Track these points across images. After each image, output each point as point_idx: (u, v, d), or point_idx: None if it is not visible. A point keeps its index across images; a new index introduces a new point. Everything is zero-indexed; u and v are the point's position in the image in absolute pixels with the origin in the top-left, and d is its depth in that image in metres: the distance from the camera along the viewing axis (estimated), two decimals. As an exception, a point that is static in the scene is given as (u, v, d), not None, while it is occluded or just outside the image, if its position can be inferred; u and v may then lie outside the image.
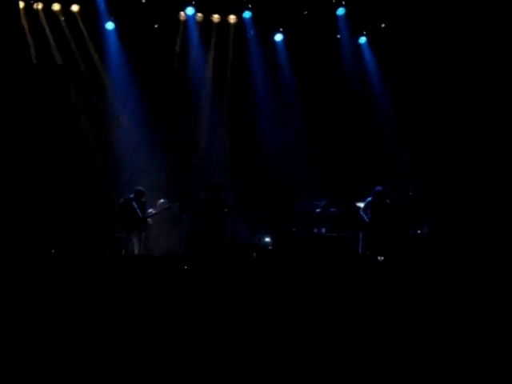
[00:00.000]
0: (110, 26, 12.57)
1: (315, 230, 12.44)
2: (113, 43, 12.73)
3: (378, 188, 11.41)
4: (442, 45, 12.26)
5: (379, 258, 6.89)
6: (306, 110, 13.31)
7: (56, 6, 12.26)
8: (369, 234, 11.42)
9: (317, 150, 13.05)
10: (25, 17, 11.97)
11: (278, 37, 13.21)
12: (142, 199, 11.33)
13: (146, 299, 5.38)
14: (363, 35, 13.23)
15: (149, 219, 11.61)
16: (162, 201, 12.16)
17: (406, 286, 5.67)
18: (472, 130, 12.12)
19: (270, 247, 11.31)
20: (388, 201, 11.42)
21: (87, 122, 12.70)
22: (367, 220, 11.36)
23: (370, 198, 11.49)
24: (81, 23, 12.47)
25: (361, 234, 11.65)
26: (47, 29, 12.26)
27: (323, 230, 12.62)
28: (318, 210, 12.82)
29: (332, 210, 12.76)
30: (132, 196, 11.32)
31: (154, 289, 5.58)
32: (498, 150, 11.70)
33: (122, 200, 11.27)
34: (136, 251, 10.86)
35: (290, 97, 13.47)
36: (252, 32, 13.07)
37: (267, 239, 12.14)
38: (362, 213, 11.58)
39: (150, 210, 11.77)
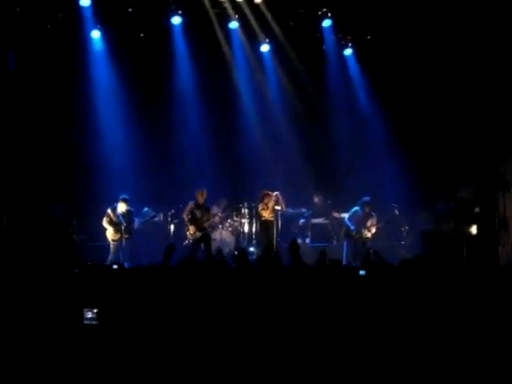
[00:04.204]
0: (95, 34, 12.52)
1: (299, 240, 12.47)
2: (98, 52, 12.70)
3: (366, 198, 11.51)
4: (430, 56, 12.29)
5: (361, 272, 6.88)
6: (292, 120, 13.39)
7: None
8: (353, 243, 11.50)
9: (302, 160, 13.09)
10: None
11: (265, 47, 13.24)
12: (128, 208, 11.30)
13: (121, 311, 5.38)
14: (349, 47, 13.27)
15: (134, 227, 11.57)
16: (145, 209, 12.17)
17: (386, 303, 5.69)
18: (462, 139, 12.18)
19: (253, 257, 11.33)
20: (373, 213, 11.53)
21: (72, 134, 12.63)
22: (353, 229, 11.43)
23: (356, 208, 11.57)
24: None
25: (345, 243, 11.73)
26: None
27: (307, 240, 12.68)
28: (302, 220, 12.88)
29: (316, 219, 12.82)
30: (116, 205, 11.27)
31: (131, 300, 5.57)
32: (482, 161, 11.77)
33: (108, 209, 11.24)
34: (119, 260, 10.81)
35: (276, 107, 13.54)
36: (238, 42, 13.11)
37: (252, 249, 12.18)
38: (347, 222, 11.65)
39: (136, 219, 11.75)
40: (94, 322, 5.07)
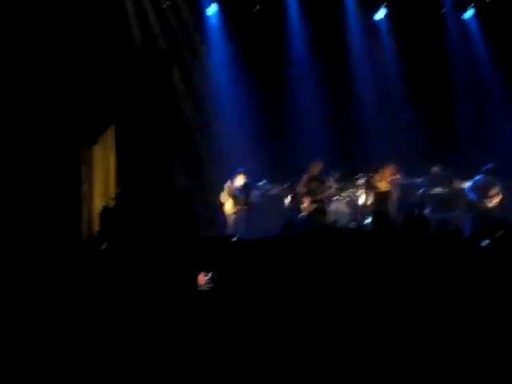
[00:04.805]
0: (212, 9, 12.77)
1: (417, 211, 12.17)
2: (215, 27, 12.96)
3: (490, 166, 11.07)
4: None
5: (484, 242, 6.61)
6: (409, 87, 13.05)
7: None
8: (475, 214, 11.10)
9: (419, 129, 12.76)
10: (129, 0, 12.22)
11: (380, 14, 12.96)
12: (246, 181, 11.49)
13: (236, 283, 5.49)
14: (470, 10, 12.73)
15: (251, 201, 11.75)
16: (262, 182, 12.31)
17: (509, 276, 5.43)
18: None
19: (368, 229, 11.20)
20: (497, 181, 11.06)
21: (191, 109, 12.97)
22: (475, 199, 11.05)
23: (479, 176, 11.15)
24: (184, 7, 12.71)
25: (466, 214, 11.34)
26: (151, 13, 12.47)
27: (427, 211, 12.35)
28: (421, 191, 12.55)
29: (435, 189, 12.46)
30: (234, 178, 11.49)
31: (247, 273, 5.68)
32: None
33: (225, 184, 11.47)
34: (237, 233, 11.04)
35: (392, 74, 13.26)
36: (352, 10, 12.93)
37: (367, 221, 12.04)
38: (469, 191, 11.26)
39: (253, 192, 11.93)
40: (210, 286, 5.25)
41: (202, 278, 5.28)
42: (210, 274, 5.28)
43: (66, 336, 4.54)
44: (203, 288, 5.27)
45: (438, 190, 12.42)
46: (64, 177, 9.55)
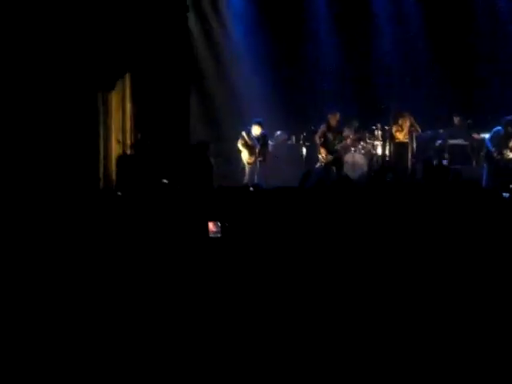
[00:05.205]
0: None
1: (436, 161, 12.11)
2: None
3: (509, 117, 10.89)
4: None
5: (504, 194, 6.52)
6: (429, 37, 12.88)
7: None
8: (494, 165, 10.99)
9: (439, 78, 12.59)
10: None
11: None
12: (262, 131, 11.44)
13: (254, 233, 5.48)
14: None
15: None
16: (278, 133, 12.24)
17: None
18: None
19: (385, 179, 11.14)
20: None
21: (208, 58, 12.89)
22: (494, 150, 10.92)
23: (498, 127, 10.99)
24: None
25: (485, 165, 11.25)
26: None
27: (444, 162, 12.26)
28: (439, 142, 12.44)
29: (454, 140, 12.34)
30: (251, 128, 11.45)
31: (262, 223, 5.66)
32: None
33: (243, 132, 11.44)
34: (252, 182, 11.04)
35: (414, 25, 13.08)
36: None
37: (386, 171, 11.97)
38: (488, 143, 11.14)
39: (269, 142, 11.90)
40: (218, 235, 5.26)
41: (213, 226, 5.28)
42: (219, 223, 5.28)
43: (80, 277, 4.60)
44: (214, 235, 5.28)
45: (457, 141, 12.32)
46: (82, 121, 9.51)
